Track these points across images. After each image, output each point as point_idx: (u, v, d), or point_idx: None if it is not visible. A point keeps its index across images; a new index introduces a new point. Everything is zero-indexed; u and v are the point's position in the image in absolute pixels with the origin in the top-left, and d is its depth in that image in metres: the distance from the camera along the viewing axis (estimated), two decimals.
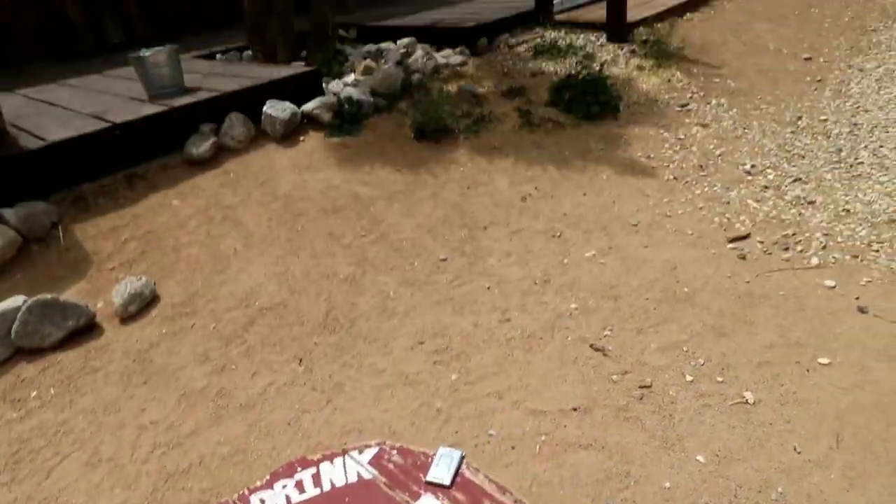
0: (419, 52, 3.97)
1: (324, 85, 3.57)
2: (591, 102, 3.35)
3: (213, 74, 3.44)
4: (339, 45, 4.79)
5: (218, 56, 4.42)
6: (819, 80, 3.75)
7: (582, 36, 4.32)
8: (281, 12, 4.17)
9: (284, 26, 4.22)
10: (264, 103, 3.05)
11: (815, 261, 2.15)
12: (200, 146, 2.79)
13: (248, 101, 3.05)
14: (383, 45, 4.44)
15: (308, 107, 3.13)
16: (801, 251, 2.21)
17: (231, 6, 5.30)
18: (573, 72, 3.67)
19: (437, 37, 4.37)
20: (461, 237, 2.42)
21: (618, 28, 4.15)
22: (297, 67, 3.39)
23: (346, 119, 3.16)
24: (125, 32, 5.45)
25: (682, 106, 3.48)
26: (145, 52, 2.92)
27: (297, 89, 3.24)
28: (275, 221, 2.50)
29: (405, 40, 4.43)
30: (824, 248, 2.21)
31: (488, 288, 2.12)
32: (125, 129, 2.66)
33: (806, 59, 4.05)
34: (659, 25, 4.45)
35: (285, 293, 2.13)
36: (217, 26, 5.83)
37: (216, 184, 2.73)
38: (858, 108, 3.36)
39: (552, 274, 2.17)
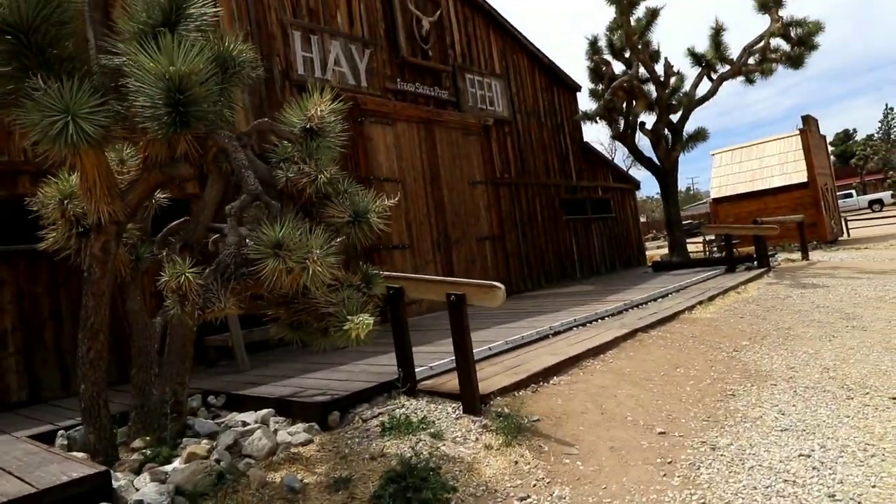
0: (259, 432, 3.80)
1: (129, 480, 3.27)
2: (412, 501, 3.04)
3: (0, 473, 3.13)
4: (207, 414, 4.68)
5: (60, 433, 4.20)
6: (669, 463, 3.56)
7: (441, 407, 4.27)
8: (139, 368, 4.15)
9: (138, 398, 4.13)
10: None
11: None
12: None
13: None
14: (238, 417, 4.32)
15: None
16: None
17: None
18: (408, 457, 3.46)
19: (294, 408, 4.29)
20: None
21: (471, 400, 4.12)
22: (94, 467, 3.12)
23: None
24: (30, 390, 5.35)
25: (521, 500, 3.18)
26: None
27: (83, 496, 2.91)
28: None
29: (262, 412, 4.33)
30: None
31: None
32: None
33: (661, 433, 3.95)
34: (520, 393, 4.47)
35: None
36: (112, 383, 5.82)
37: None
38: None
39: None
